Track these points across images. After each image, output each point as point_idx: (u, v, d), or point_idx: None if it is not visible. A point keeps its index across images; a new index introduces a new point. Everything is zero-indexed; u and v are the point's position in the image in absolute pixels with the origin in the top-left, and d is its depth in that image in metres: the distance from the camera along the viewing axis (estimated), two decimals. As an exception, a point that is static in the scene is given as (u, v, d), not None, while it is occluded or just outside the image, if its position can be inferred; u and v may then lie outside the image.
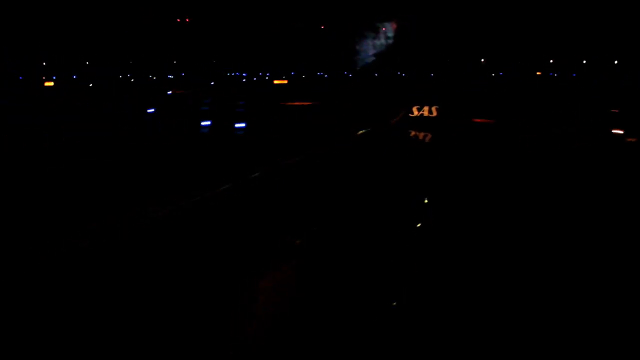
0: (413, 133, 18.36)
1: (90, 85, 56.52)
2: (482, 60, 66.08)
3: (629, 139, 15.13)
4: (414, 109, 21.22)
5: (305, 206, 8.00)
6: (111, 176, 10.22)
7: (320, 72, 74.10)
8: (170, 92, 42.94)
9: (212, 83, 59.83)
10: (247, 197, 8.81)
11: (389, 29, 64.93)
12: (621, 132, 15.97)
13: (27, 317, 4.34)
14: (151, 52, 68.54)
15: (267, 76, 71.66)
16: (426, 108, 21.04)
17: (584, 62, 61.91)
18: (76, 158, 12.40)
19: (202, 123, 18.26)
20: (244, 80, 69.37)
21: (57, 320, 4.29)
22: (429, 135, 17.60)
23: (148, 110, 26.00)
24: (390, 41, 65.37)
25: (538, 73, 63.56)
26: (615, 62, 58.75)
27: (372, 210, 7.81)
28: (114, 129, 19.07)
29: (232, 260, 5.61)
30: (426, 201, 8.59)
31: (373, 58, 65.91)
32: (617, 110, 22.12)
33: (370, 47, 65.39)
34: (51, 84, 56.76)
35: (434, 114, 20.96)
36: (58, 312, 4.42)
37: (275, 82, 61.73)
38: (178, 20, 66.21)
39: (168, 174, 10.44)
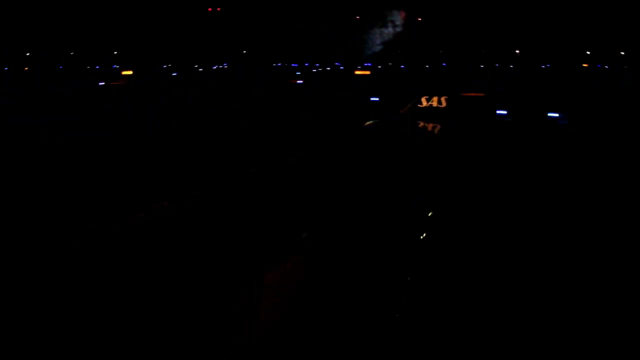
0: (422, 124, 18.17)
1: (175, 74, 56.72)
2: (517, 51, 64.96)
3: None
4: (423, 100, 20.97)
5: (310, 202, 7.93)
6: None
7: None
8: (300, 82, 43.40)
9: (298, 73, 59.39)
10: (249, 194, 8.76)
11: (399, 19, 64.29)
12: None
13: (27, 318, 4.34)
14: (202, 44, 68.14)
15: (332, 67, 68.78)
16: (435, 99, 20.79)
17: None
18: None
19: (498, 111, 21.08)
20: (314, 70, 67.70)
21: (57, 320, 4.29)
22: (438, 127, 17.40)
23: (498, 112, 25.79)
24: (400, 31, 64.66)
25: (585, 65, 62.01)
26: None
27: (378, 207, 7.72)
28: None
29: (233, 259, 5.57)
30: (433, 199, 8.48)
31: (382, 48, 65.19)
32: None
33: (378, 38, 64.69)
34: (130, 72, 57.55)
35: (443, 104, 20.72)
36: (58, 312, 4.42)
37: (357, 72, 59.76)
38: (210, 9, 65.66)
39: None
